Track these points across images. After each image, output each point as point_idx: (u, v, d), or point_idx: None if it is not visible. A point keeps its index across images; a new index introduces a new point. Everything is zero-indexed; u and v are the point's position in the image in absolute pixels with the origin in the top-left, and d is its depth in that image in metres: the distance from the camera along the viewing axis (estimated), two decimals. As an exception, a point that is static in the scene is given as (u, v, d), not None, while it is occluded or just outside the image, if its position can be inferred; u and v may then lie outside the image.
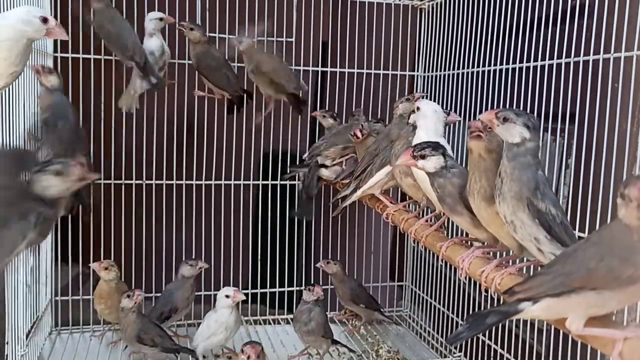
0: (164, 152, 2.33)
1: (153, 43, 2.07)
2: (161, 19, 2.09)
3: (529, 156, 1.09)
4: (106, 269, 2.05)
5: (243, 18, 2.30)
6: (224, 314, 1.99)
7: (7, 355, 1.63)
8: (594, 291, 0.88)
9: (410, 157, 1.30)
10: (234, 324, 2.01)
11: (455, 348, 2.18)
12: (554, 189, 1.62)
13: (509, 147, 1.10)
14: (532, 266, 1.23)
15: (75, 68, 2.12)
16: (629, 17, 1.37)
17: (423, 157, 1.30)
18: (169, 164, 2.34)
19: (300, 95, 2.26)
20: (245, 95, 2.26)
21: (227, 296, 1.98)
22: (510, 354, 1.86)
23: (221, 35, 2.25)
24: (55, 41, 2.06)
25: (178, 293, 2.09)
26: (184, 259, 2.24)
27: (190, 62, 2.20)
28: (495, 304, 1.94)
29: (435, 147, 1.31)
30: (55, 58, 2.12)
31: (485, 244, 1.33)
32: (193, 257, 2.31)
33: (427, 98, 2.38)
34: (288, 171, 2.36)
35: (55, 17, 2.04)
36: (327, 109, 2.40)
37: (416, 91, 2.46)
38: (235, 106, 2.28)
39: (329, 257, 2.43)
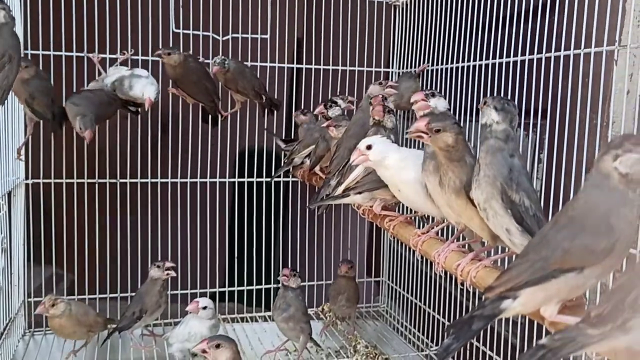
0: (139, 150, 2.30)
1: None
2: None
3: (498, 140, 1.11)
4: (53, 305, 1.90)
5: (217, 14, 2.29)
6: (197, 325, 1.98)
7: (-21, 357, 1.60)
8: (575, 272, 0.88)
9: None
10: (209, 332, 1.99)
11: (432, 341, 2.20)
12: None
13: (481, 130, 1.12)
14: (506, 258, 1.25)
15: (46, 65, 2.08)
16: (599, 14, 1.39)
17: (433, 95, 1.34)
18: (143, 162, 2.32)
19: (265, 98, 2.28)
20: (219, 105, 2.28)
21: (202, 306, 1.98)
22: (486, 347, 1.88)
23: (195, 32, 2.24)
24: (25, 39, 2.02)
25: (147, 295, 2.05)
26: (159, 258, 2.22)
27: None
28: (471, 297, 1.96)
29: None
30: (25, 55, 2.08)
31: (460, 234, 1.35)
32: (169, 255, 2.29)
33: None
34: (274, 174, 2.38)
35: (25, 14, 2.01)
36: (302, 106, 2.41)
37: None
38: (210, 117, 2.31)
39: (306, 254, 2.44)
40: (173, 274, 2.05)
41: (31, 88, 1.85)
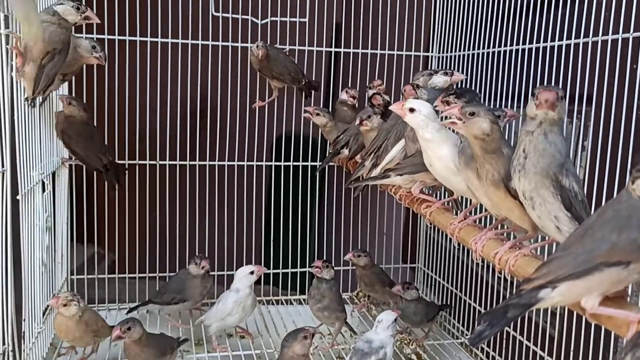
0: (178, 133, 2.33)
1: None
2: None
3: (554, 127, 1.06)
4: (65, 305, 1.75)
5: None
6: (244, 294, 2.00)
7: (24, 332, 1.65)
8: (619, 266, 0.86)
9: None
10: (250, 306, 2.03)
11: (468, 330, 2.18)
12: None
13: (556, 123, 1.06)
14: (546, 246, 1.22)
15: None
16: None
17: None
18: (182, 144, 2.35)
19: (305, 82, 2.28)
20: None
21: (251, 272, 2.01)
22: (523, 337, 1.86)
23: (234, 16, 2.24)
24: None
25: (189, 289, 2.08)
26: (197, 239, 2.25)
27: (204, 42, 2.19)
28: (508, 286, 1.94)
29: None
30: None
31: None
32: (206, 236, 2.32)
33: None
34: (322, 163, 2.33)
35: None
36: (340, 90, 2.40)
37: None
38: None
39: (341, 239, 2.44)
40: (207, 266, 2.10)
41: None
